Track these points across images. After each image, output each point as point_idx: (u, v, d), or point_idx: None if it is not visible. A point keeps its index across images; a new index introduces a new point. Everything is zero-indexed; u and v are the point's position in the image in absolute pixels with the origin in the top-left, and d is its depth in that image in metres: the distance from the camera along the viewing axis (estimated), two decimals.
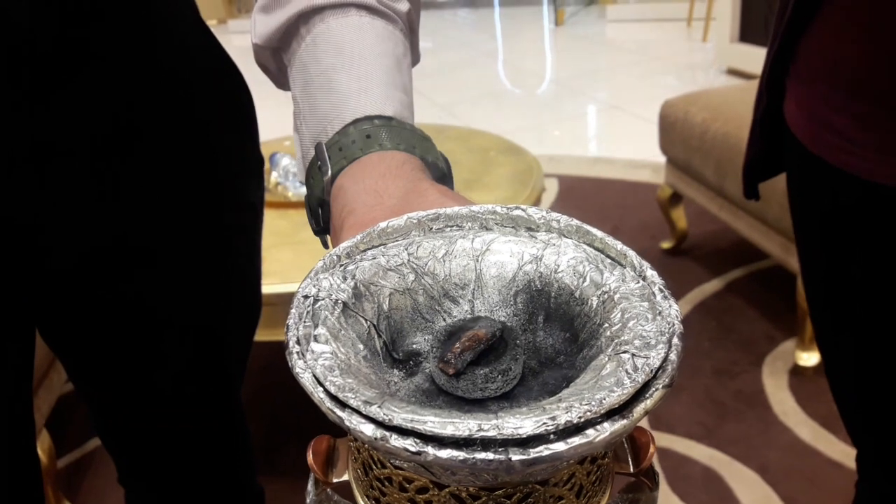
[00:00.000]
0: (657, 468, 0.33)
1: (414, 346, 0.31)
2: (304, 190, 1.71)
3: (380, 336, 0.29)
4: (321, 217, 0.47)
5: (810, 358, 1.73)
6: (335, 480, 0.31)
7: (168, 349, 0.70)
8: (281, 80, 0.56)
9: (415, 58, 0.55)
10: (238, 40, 4.80)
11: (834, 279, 0.68)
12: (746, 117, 1.85)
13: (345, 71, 0.47)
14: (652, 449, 0.31)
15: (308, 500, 0.32)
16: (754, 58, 3.58)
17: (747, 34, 3.65)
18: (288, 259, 1.42)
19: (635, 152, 3.00)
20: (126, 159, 0.59)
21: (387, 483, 0.26)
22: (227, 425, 0.81)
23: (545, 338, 0.31)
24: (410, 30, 0.53)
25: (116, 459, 0.80)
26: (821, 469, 1.47)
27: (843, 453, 1.49)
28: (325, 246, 0.50)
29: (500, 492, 0.24)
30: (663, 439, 1.57)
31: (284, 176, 1.70)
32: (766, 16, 3.49)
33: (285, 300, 1.36)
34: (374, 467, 0.27)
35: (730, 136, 1.86)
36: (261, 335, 0.91)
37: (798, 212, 0.72)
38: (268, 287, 1.06)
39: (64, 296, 0.64)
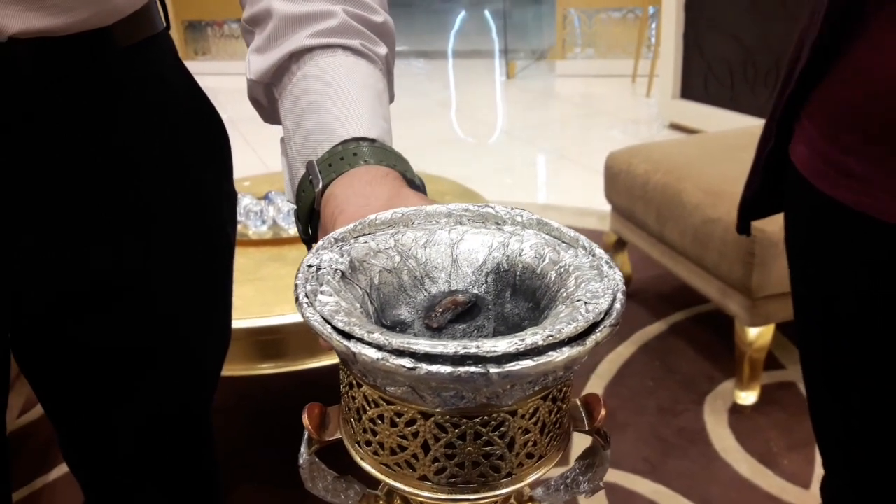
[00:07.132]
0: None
1: (400, 317, 0.36)
2: (264, 228, 1.75)
3: (372, 304, 0.34)
4: (310, 226, 0.52)
5: (748, 397, 1.80)
6: (328, 439, 0.36)
7: (143, 383, 0.71)
8: (270, 112, 0.61)
9: (391, 96, 0.61)
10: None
11: (832, 309, 0.70)
12: (684, 169, 1.96)
13: (333, 101, 0.52)
14: (603, 411, 0.36)
15: (301, 461, 0.36)
16: (694, 113, 3.79)
17: (688, 91, 3.85)
18: (250, 295, 1.46)
19: (582, 200, 3.11)
20: (123, 198, 0.62)
21: (378, 422, 0.31)
22: (198, 459, 0.82)
23: (512, 308, 0.36)
24: (388, 70, 0.59)
25: (84, 487, 0.80)
26: (759, 503, 1.53)
27: (780, 488, 1.55)
28: None
29: (478, 419, 0.29)
30: (609, 474, 1.61)
31: (245, 215, 1.73)
32: (706, 75, 3.69)
33: (246, 335, 1.40)
34: (367, 409, 0.31)
35: (669, 186, 1.94)
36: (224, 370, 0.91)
37: (797, 248, 0.75)
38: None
39: (42, 331, 0.65)
